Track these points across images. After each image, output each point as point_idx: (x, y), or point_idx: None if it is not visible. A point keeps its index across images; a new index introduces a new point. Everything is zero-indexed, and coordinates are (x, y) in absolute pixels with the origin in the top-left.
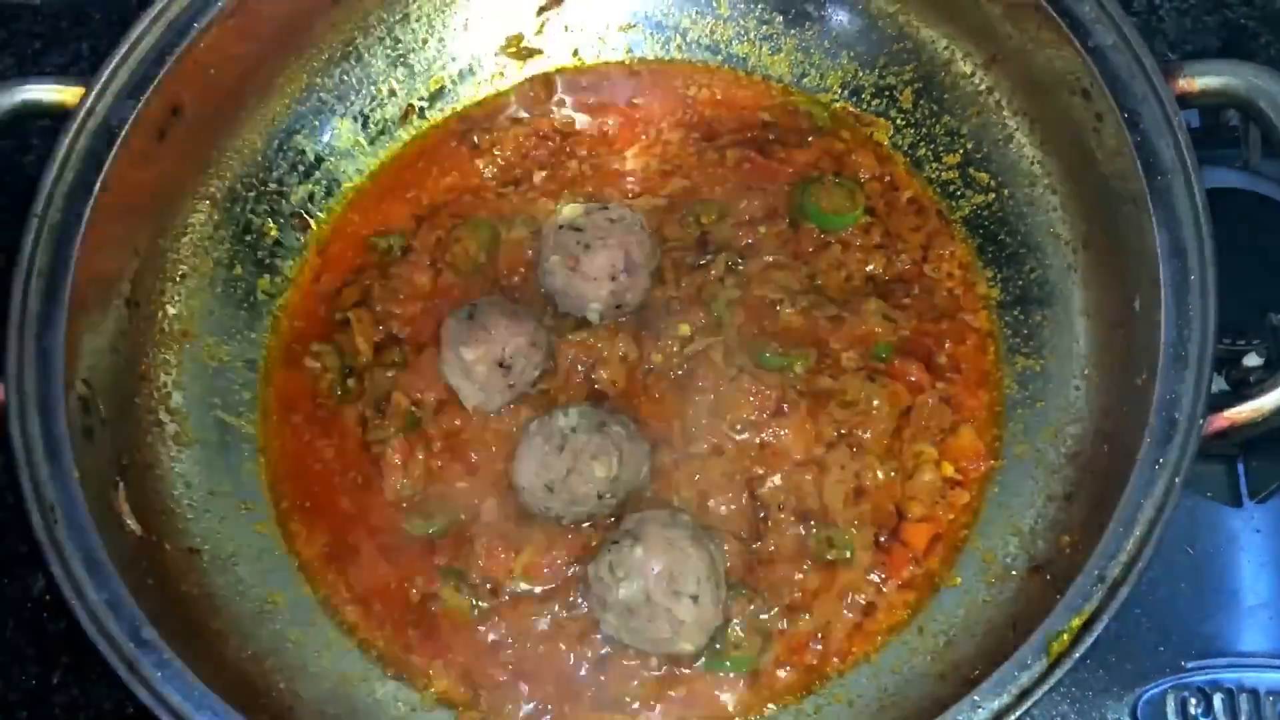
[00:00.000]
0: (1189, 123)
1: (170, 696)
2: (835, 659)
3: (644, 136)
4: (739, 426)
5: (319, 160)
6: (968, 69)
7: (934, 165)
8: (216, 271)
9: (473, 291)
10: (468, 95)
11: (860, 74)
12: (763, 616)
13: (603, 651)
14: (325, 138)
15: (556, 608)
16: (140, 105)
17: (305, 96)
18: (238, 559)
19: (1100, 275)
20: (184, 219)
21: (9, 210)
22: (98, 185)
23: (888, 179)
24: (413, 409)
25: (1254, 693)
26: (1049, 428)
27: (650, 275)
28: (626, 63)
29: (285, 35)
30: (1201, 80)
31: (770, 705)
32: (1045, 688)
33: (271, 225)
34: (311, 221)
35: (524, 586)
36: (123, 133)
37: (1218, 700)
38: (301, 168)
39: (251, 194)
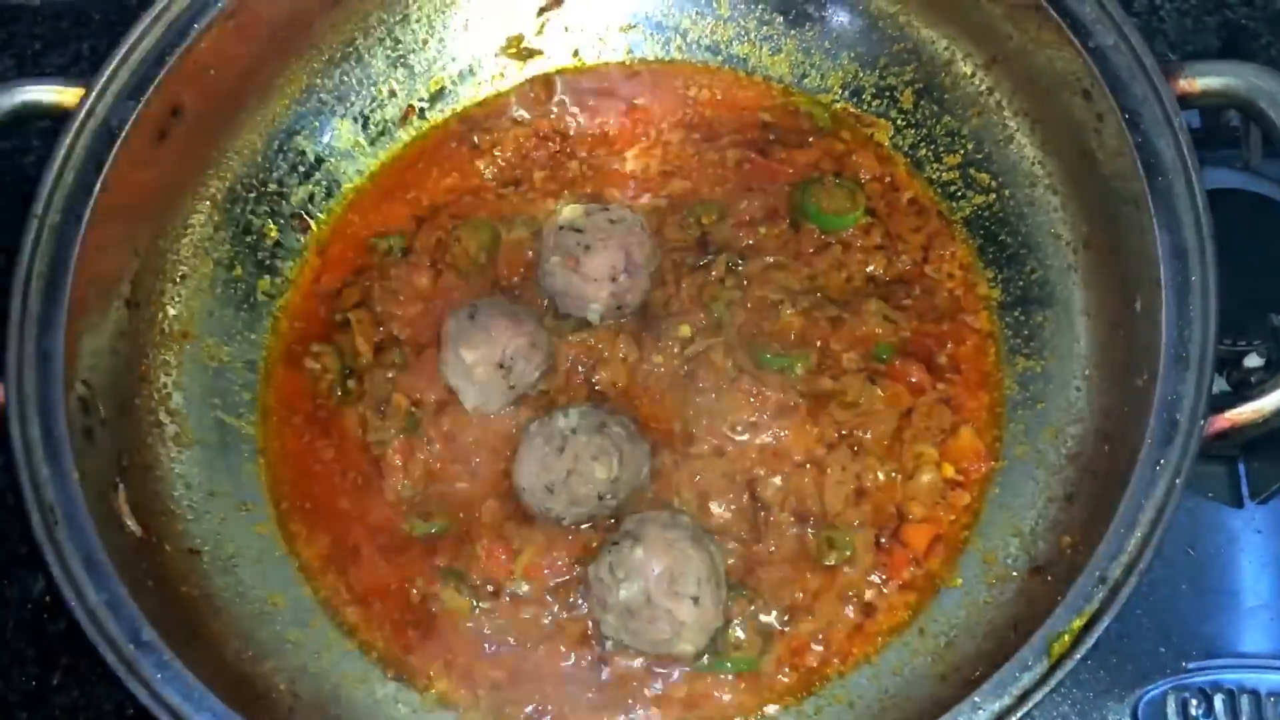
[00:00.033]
0: (1189, 123)
1: (170, 698)
2: (836, 660)
3: (644, 137)
4: (739, 427)
5: (319, 161)
6: (968, 69)
7: (935, 166)
8: (216, 272)
9: (473, 292)
10: (468, 96)
11: (861, 75)
12: (763, 618)
13: (603, 653)
14: (325, 138)
15: (557, 609)
16: (140, 106)
17: (305, 97)
18: (238, 560)
19: (1101, 276)
20: (184, 220)
21: (9, 211)
22: (98, 186)
23: (888, 180)
24: (413, 410)
25: (1255, 694)
26: (1050, 428)
27: (651, 276)
28: (627, 63)
29: (285, 36)
30: (1202, 81)
31: (771, 706)
32: (1046, 689)
33: (272, 226)
34: (312, 222)
35: (524, 587)
36: (123, 134)
37: (1218, 701)
38: (302, 168)
39: (251, 195)
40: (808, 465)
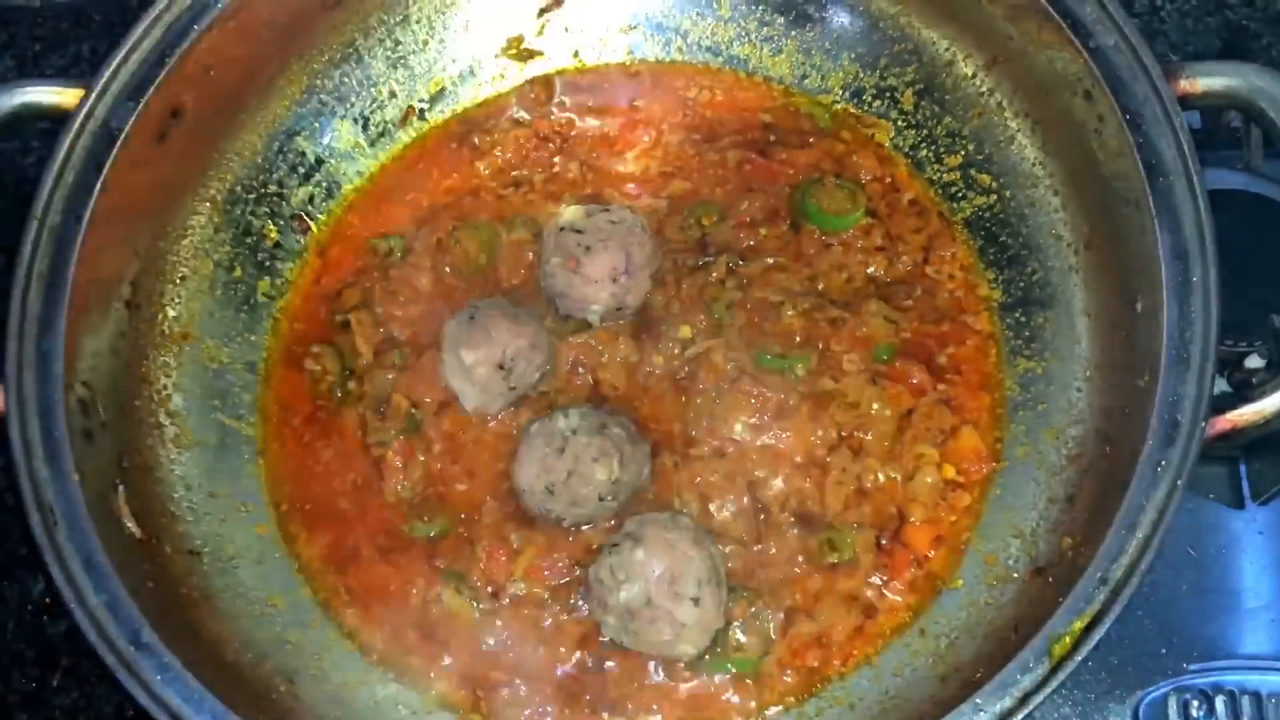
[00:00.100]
0: (1190, 124)
1: (170, 699)
2: (837, 661)
3: (645, 138)
4: (740, 429)
5: (319, 162)
6: (969, 70)
7: (935, 167)
8: (216, 273)
9: (473, 294)
10: (468, 97)
11: (861, 75)
12: (764, 619)
13: (603, 654)
14: (325, 140)
15: (557, 610)
16: (140, 107)
17: (305, 98)
18: (238, 561)
19: (1102, 277)
20: (184, 221)
21: (9, 212)
22: (98, 187)
23: (889, 180)
24: (413, 411)
25: (1256, 695)
26: (1051, 429)
27: (651, 277)
28: (627, 64)
29: (285, 37)
30: (1203, 81)
31: (772, 708)
32: (1047, 690)
33: (272, 227)
34: (312, 223)
35: (525, 589)
36: (123, 135)
37: (1220, 702)
38: (302, 170)
39: (252, 196)
40: (808, 466)
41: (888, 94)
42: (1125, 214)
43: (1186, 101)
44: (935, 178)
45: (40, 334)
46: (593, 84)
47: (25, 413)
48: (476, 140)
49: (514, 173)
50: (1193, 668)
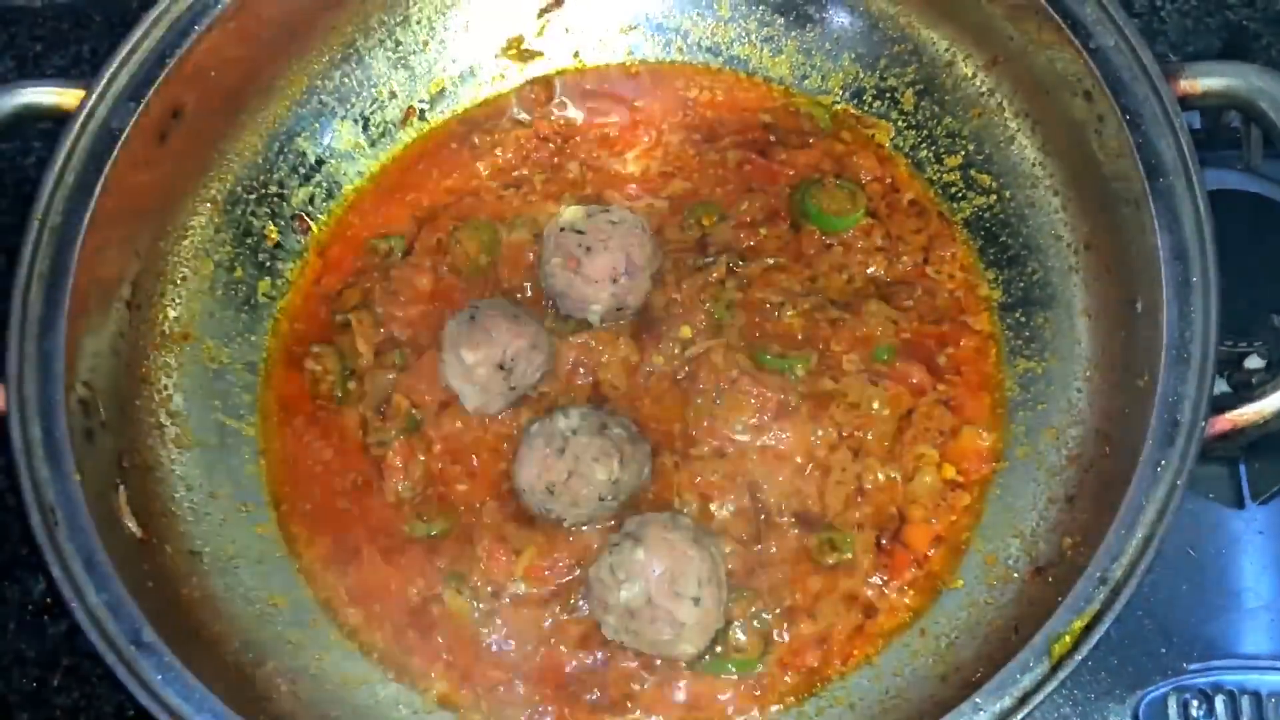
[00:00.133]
0: (1190, 124)
1: (170, 699)
2: (837, 661)
3: (645, 138)
4: (740, 429)
5: (320, 162)
6: (969, 70)
7: (935, 167)
8: (217, 274)
9: (473, 294)
10: (468, 97)
11: (861, 76)
12: (764, 619)
13: (604, 654)
14: (326, 140)
15: (558, 610)
16: (141, 108)
17: (306, 99)
18: (238, 561)
19: (1102, 277)
20: (185, 221)
21: (10, 213)
22: (98, 188)
23: (889, 181)
24: (413, 411)
25: (1256, 695)
26: (1051, 429)
27: (651, 277)
28: (627, 64)
29: (286, 38)
30: (1203, 81)
31: (772, 708)
32: (1047, 690)
33: (272, 228)
34: (312, 224)
35: (525, 589)
36: (123, 135)
37: (1219, 702)
38: (302, 170)
39: (252, 196)
40: (808, 466)
41: (888, 94)
42: (1125, 214)
43: (1186, 101)
44: (935, 178)
45: (41, 334)
46: (593, 84)
47: (26, 413)
48: (477, 140)
49: (514, 173)
50: (1192, 667)
